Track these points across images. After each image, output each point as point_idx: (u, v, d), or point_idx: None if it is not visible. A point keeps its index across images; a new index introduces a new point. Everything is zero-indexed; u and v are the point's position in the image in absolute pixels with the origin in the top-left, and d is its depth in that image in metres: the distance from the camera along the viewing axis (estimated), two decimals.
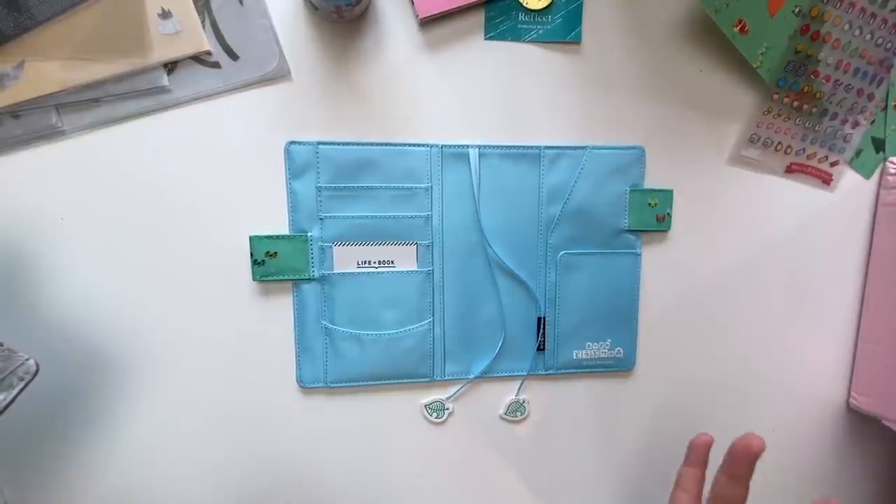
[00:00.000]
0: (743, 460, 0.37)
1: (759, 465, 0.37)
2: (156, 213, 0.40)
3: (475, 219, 0.43)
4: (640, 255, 0.46)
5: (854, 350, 0.52)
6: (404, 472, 0.46)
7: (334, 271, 0.42)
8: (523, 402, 0.47)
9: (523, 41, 0.43)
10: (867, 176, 0.50)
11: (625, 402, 0.49)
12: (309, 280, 0.42)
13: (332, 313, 0.42)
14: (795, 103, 0.47)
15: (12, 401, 0.32)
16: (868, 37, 0.46)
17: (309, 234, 0.41)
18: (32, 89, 0.36)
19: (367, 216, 0.42)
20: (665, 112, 0.45)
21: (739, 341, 0.50)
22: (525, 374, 0.46)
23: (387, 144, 0.41)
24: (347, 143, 0.41)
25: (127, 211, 0.40)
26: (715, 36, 0.43)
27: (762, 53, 0.44)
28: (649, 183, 0.46)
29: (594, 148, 0.44)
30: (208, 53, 0.38)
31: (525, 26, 0.42)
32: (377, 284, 0.42)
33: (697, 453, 0.40)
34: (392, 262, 0.43)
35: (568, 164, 0.44)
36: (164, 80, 0.38)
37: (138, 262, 0.40)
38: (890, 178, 0.50)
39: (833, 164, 0.49)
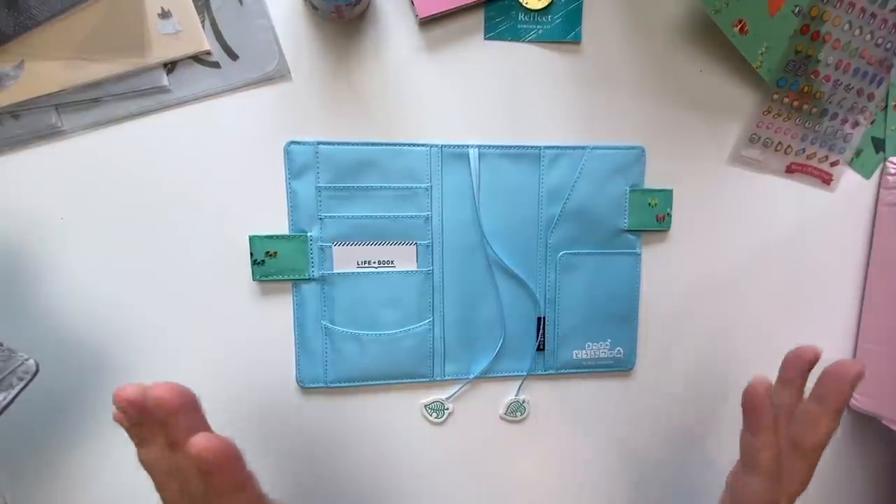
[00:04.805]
0: (795, 365, 0.37)
1: None
2: (156, 212, 0.40)
3: (475, 219, 0.43)
4: (640, 255, 0.46)
5: (854, 350, 0.52)
6: (404, 472, 0.46)
7: (334, 271, 0.42)
8: (523, 402, 0.47)
9: (523, 41, 0.43)
10: (867, 176, 0.50)
11: (625, 402, 0.49)
12: (309, 280, 0.42)
13: (332, 313, 0.42)
14: (795, 103, 0.47)
15: (12, 401, 0.32)
16: (868, 37, 0.46)
17: (309, 234, 0.41)
18: (32, 89, 0.36)
19: (366, 216, 0.42)
20: (665, 112, 0.45)
21: (739, 341, 0.50)
22: (525, 374, 0.46)
23: (387, 144, 0.41)
24: (347, 143, 0.41)
25: (127, 211, 0.40)
26: (715, 36, 0.43)
27: (762, 53, 0.44)
28: (649, 183, 0.46)
29: (594, 148, 0.44)
30: (208, 53, 0.38)
31: (525, 26, 0.42)
32: (377, 284, 0.42)
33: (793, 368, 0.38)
34: (392, 262, 0.43)
35: (568, 164, 0.44)
36: (164, 79, 0.38)
37: (138, 261, 0.40)
38: (890, 178, 0.50)
39: (833, 164, 0.49)
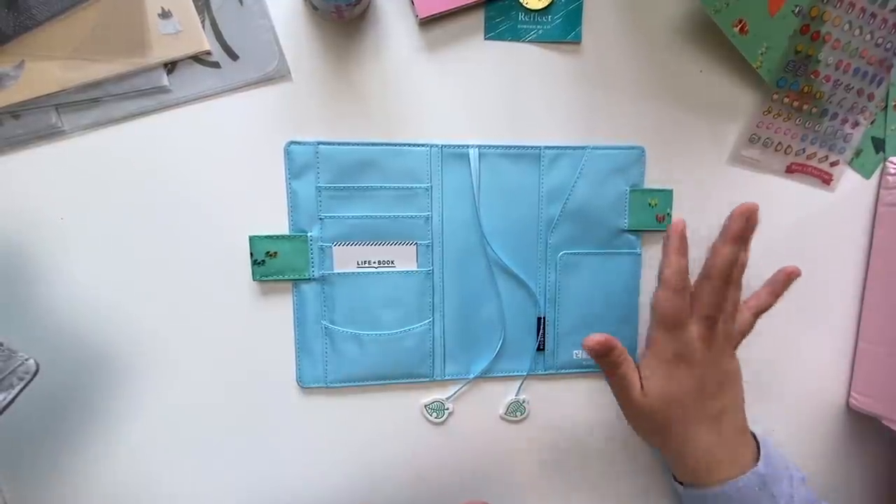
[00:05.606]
0: (739, 220, 0.39)
1: None
2: (155, 212, 0.40)
3: (475, 219, 0.43)
4: (640, 255, 0.46)
5: (854, 350, 0.52)
6: (404, 472, 0.46)
7: (334, 271, 0.42)
8: (523, 402, 0.47)
9: (523, 41, 0.43)
10: (867, 176, 0.50)
11: None
12: (309, 280, 0.42)
13: (332, 313, 0.42)
14: (795, 103, 0.47)
15: (12, 401, 0.32)
16: (868, 37, 0.46)
17: (309, 234, 0.41)
18: (32, 89, 0.36)
19: (366, 216, 0.42)
20: (665, 112, 0.45)
21: None
22: (525, 374, 0.46)
23: (387, 144, 0.41)
24: (347, 143, 0.41)
25: (127, 211, 0.40)
26: (715, 36, 0.43)
27: (762, 53, 0.44)
28: (649, 183, 0.46)
29: (594, 148, 0.44)
30: (208, 53, 0.38)
31: (525, 26, 0.42)
32: (377, 284, 0.42)
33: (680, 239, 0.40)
34: (392, 262, 0.43)
35: (568, 164, 0.44)
36: (164, 79, 0.38)
37: (138, 262, 0.40)
38: (890, 178, 0.50)
39: (833, 164, 0.49)
